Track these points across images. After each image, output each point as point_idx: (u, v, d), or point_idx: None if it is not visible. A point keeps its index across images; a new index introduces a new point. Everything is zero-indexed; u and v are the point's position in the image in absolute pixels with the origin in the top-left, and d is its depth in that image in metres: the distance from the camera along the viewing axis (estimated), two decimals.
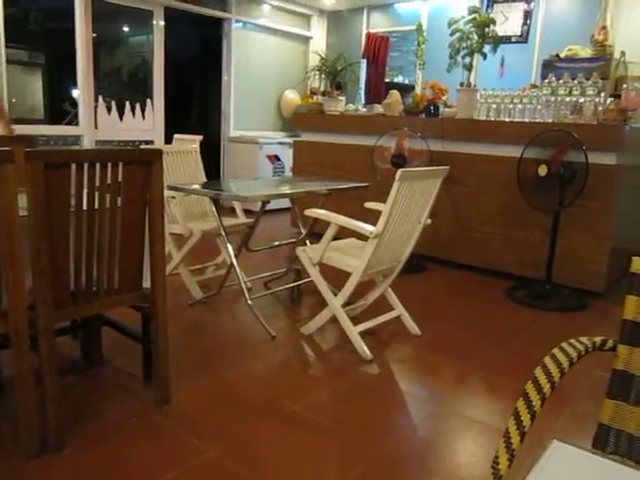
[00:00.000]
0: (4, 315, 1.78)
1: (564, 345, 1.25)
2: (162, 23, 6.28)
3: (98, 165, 1.87)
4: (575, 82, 4.09)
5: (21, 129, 5.26)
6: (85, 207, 1.89)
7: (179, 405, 2.28)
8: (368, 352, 2.78)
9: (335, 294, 2.91)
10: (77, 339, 2.75)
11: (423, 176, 2.75)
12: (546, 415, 2.09)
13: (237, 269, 3.15)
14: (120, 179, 1.94)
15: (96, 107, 5.82)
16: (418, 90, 6.56)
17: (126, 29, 7.62)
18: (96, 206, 1.90)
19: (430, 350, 2.99)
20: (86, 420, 2.14)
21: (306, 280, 3.45)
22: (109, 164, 1.89)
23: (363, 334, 2.88)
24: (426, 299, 3.95)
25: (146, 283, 2.19)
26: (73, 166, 1.81)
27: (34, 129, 5.57)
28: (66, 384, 2.39)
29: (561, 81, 4.16)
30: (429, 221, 2.98)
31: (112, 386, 2.47)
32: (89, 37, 5.60)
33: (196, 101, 8.69)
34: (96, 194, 1.89)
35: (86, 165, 1.83)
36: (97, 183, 1.88)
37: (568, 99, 4.08)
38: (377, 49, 7.27)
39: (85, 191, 1.87)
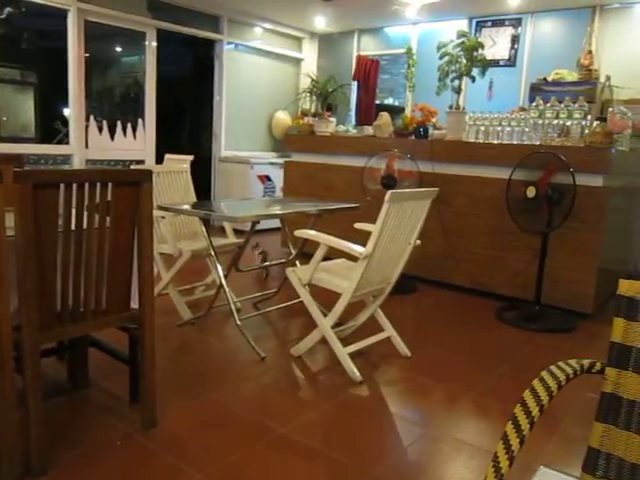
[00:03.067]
0: None
1: (553, 368, 1.25)
2: (154, 44, 6.34)
3: (87, 185, 1.86)
4: (562, 105, 4.16)
5: (11, 148, 5.26)
6: (73, 227, 1.88)
7: (166, 428, 2.25)
8: (358, 374, 2.77)
9: (325, 315, 2.90)
10: (63, 360, 2.71)
11: (413, 197, 2.77)
12: (535, 438, 2.08)
13: (226, 289, 3.13)
14: (109, 199, 1.93)
15: (87, 126, 5.84)
16: (408, 112, 6.63)
17: (119, 49, 7.67)
18: (85, 226, 1.90)
19: (420, 372, 2.97)
20: (71, 443, 2.10)
21: (296, 301, 3.43)
22: (98, 184, 1.89)
23: (353, 355, 2.86)
24: (416, 320, 3.95)
25: (134, 304, 2.17)
26: (62, 186, 1.80)
27: (24, 148, 5.57)
28: (51, 406, 2.35)
29: (548, 104, 4.22)
30: (419, 242, 2.98)
31: (98, 408, 2.43)
32: (81, 57, 5.64)
33: (187, 121, 8.73)
34: (85, 214, 1.88)
35: (75, 185, 1.83)
36: (86, 203, 1.87)
37: (555, 122, 4.14)
38: (368, 71, 7.36)
39: (74, 211, 1.86)
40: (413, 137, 4.84)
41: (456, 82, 4.51)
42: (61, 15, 5.47)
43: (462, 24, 6.49)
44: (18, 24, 5.30)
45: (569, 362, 1.28)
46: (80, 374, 2.60)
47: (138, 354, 2.24)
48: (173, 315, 3.47)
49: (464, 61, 4.46)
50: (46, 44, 7.53)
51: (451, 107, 4.66)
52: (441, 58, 4.51)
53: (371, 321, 3.18)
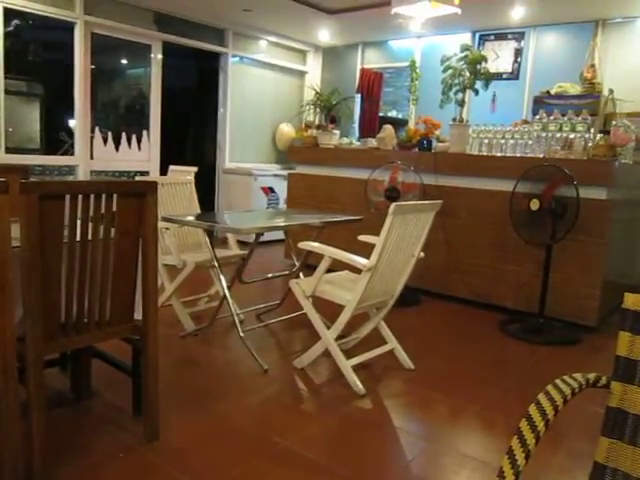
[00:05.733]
0: None
1: (558, 382, 1.24)
2: (160, 56, 6.39)
3: (92, 196, 1.87)
4: (565, 118, 4.17)
5: (17, 158, 5.30)
6: (78, 238, 1.89)
7: (168, 440, 2.24)
8: (361, 386, 2.75)
9: (328, 327, 2.90)
10: (66, 371, 2.71)
11: (416, 210, 2.77)
12: (541, 453, 2.06)
13: (230, 301, 3.13)
14: (114, 210, 1.94)
15: (92, 138, 5.88)
16: (411, 124, 6.66)
17: (124, 62, 7.73)
18: (89, 237, 1.90)
19: (423, 385, 2.96)
20: (73, 455, 2.09)
21: (299, 312, 3.42)
22: (103, 196, 1.90)
23: (356, 368, 2.85)
24: (419, 332, 3.94)
25: (138, 315, 2.17)
26: (67, 197, 1.81)
27: (30, 158, 5.60)
28: (54, 417, 2.34)
29: (552, 117, 4.24)
30: (422, 254, 2.98)
31: (101, 420, 2.43)
32: (87, 69, 5.69)
33: (192, 133, 8.78)
34: (90, 225, 1.89)
35: (80, 196, 1.84)
36: (91, 214, 1.88)
37: (559, 135, 4.15)
38: (371, 84, 7.40)
39: (79, 222, 1.87)
40: (417, 149, 4.86)
41: (459, 95, 4.53)
42: (68, 27, 5.52)
43: (466, 37, 6.54)
44: (25, 36, 5.37)
45: (574, 376, 1.27)
46: (83, 385, 2.59)
47: (141, 366, 2.23)
48: (176, 326, 3.47)
49: (467, 74, 4.49)
50: (52, 56, 7.60)
51: (454, 120, 4.67)
52: (445, 71, 4.54)
53: (374, 333, 3.18)
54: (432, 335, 3.89)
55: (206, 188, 6.61)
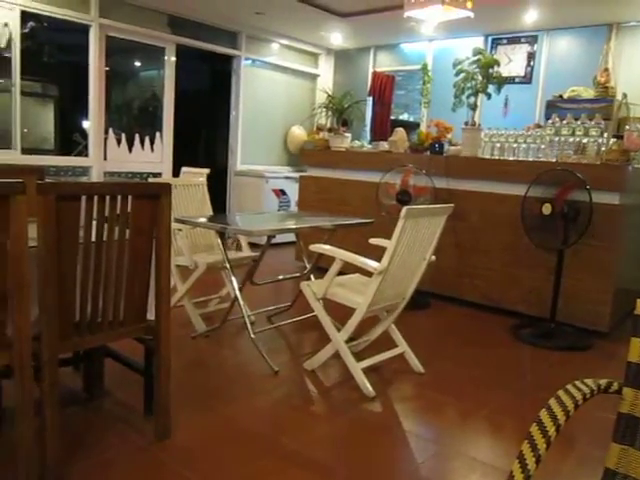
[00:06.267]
0: (8, 345, 1.78)
1: (569, 387, 1.24)
2: (173, 59, 6.44)
3: (108, 198, 1.90)
4: (578, 123, 4.15)
5: (32, 159, 5.36)
6: (94, 239, 1.91)
7: (179, 440, 2.25)
8: (371, 389, 2.76)
9: (339, 329, 2.91)
10: (79, 370, 2.74)
11: (428, 214, 2.78)
12: (551, 458, 2.06)
13: (241, 302, 3.15)
14: (129, 212, 1.97)
15: (106, 139, 5.93)
16: (423, 128, 6.66)
17: (138, 64, 7.79)
18: (104, 238, 1.93)
19: (433, 388, 2.96)
20: (85, 452, 2.12)
21: (309, 315, 3.44)
22: (119, 197, 1.93)
23: (366, 370, 2.86)
24: (430, 336, 3.93)
25: (150, 315, 2.19)
26: (83, 198, 1.84)
27: (45, 159, 5.66)
28: (66, 415, 2.36)
29: (564, 121, 4.22)
30: (433, 258, 2.99)
31: (113, 418, 2.45)
32: (102, 71, 5.75)
33: (204, 135, 8.83)
34: (105, 226, 1.92)
35: (96, 198, 1.87)
36: (106, 215, 1.90)
37: (571, 139, 4.13)
38: (383, 87, 7.41)
39: (94, 223, 1.89)
40: (428, 153, 4.86)
41: (472, 99, 4.53)
42: (83, 30, 5.58)
43: (478, 41, 6.53)
44: (40, 38, 5.42)
45: (586, 381, 1.27)
46: (95, 384, 2.62)
47: (153, 365, 2.26)
48: (188, 327, 3.50)
49: (480, 78, 4.48)
50: (67, 58, 7.68)
51: (467, 123, 4.67)
52: (457, 75, 4.54)
53: (385, 336, 3.18)
54: (442, 339, 3.88)
55: (218, 190, 6.64)
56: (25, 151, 5.35)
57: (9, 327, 1.78)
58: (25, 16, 5.14)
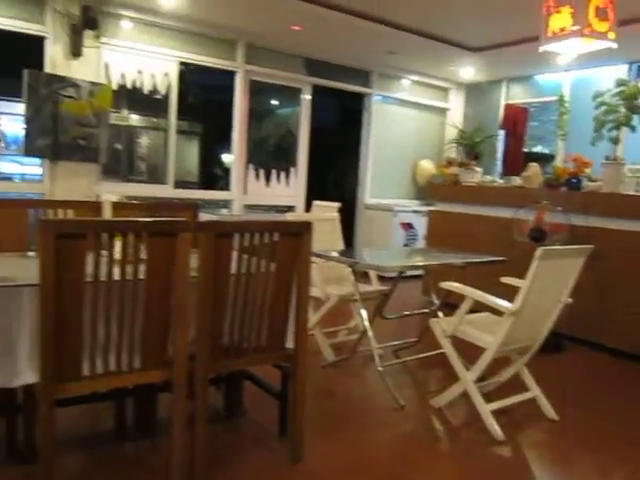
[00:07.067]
0: (169, 363, 2.03)
1: None
2: (309, 97, 6.82)
3: (257, 235, 2.10)
4: None
5: (182, 193, 5.94)
6: (243, 271, 2.12)
7: (310, 464, 2.37)
8: (500, 432, 2.69)
9: (467, 368, 2.88)
10: (220, 390, 2.97)
11: (565, 255, 2.70)
12: None
13: (370, 335, 3.24)
14: (274, 247, 2.16)
15: (246, 173, 6.39)
16: (559, 161, 6.39)
17: (275, 102, 8.35)
18: (252, 270, 2.13)
19: (567, 438, 2.81)
20: (224, 467, 2.30)
21: (437, 351, 3.43)
22: (266, 234, 2.13)
23: (495, 413, 2.80)
24: (564, 382, 3.73)
25: (288, 343, 2.35)
26: (236, 235, 2.06)
27: (192, 193, 6.25)
28: (208, 431, 2.58)
29: None
30: (570, 300, 2.88)
31: (249, 438, 2.63)
32: (245, 110, 6.25)
33: (334, 168, 9.17)
34: (253, 260, 2.12)
35: (247, 235, 2.08)
36: (254, 250, 2.11)
37: None
38: (516, 120, 7.24)
39: (245, 257, 2.11)
40: (564, 188, 4.67)
41: (614, 132, 4.31)
42: (227, 73, 6.13)
43: (621, 69, 6.19)
44: (186, 80, 6.01)
45: None
46: (235, 404, 2.84)
47: (289, 391, 2.41)
48: (317, 356, 3.64)
49: (623, 110, 4.26)
50: (211, 97, 8.43)
51: (607, 158, 4.44)
52: (597, 108, 4.35)
53: (515, 379, 3.09)
54: (578, 385, 3.67)
55: (346, 222, 6.86)
56: (176, 185, 5.93)
57: (170, 348, 2.03)
58: (181, 65, 5.77)
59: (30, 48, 5.06)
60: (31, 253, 2.48)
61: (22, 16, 4.86)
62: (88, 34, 4.99)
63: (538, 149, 7.66)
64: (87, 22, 4.87)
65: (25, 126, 4.86)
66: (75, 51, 4.96)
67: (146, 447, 2.47)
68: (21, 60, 4.85)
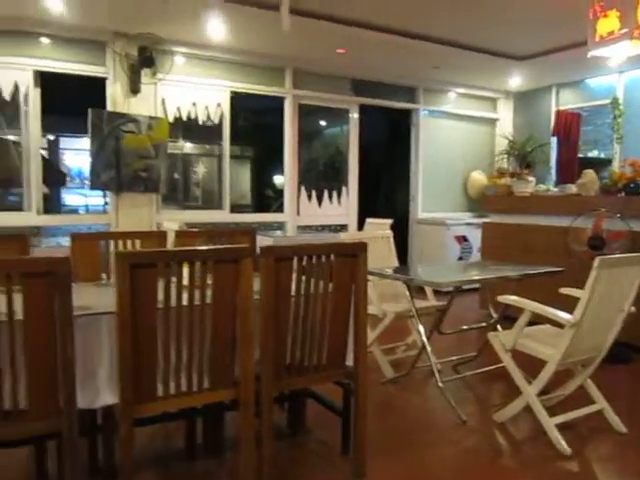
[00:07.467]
0: (236, 383, 2.13)
1: None
2: (356, 116, 6.92)
3: (314, 257, 2.19)
4: None
5: (238, 217, 6.14)
6: (302, 292, 2.21)
7: None
8: (566, 447, 2.65)
9: (529, 382, 2.86)
10: (283, 408, 3.05)
11: (625, 263, 2.66)
12: None
13: (428, 351, 3.26)
14: (331, 269, 2.24)
15: (298, 195, 6.53)
16: (615, 166, 6.23)
17: (323, 123, 8.51)
18: (310, 291, 2.22)
19: (637, 451, 2.74)
20: None
21: (497, 365, 3.41)
22: (323, 256, 2.21)
23: (560, 427, 2.76)
24: (632, 393, 3.62)
25: (348, 361, 2.42)
26: (295, 258, 2.15)
27: (247, 217, 6.45)
28: (273, 449, 2.67)
29: None
30: (633, 309, 2.82)
31: (313, 455, 2.70)
32: (295, 134, 6.41)
33: (384, 185, 9.22)
34: (311, 281, 2.21)
35: (305, 257, 2.17)
36: (312, 271, 2.19)
37: None
38: (568, 126, 7.10)
39: (303, 278, 2.20)
40: (623, 194, 4.55)
41: None
42: (277, 99, 6.32)
43: None
44: (237, 105, 6.22)
45: None
46: (298, 422, 2.91)
47: (351, 407, 2.47)
48: (376, 373, 3.68)
49: None
50: (261, 121, 8.66)
51: None
52: None
53: (580, 391, 3.03)
54: None
55: (399, 237, 6.89)
56: (231, 209, 6.13)
57: (236, 368, 2.13)
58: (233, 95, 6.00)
59: (92, 88, 5.40)
60: (103, 281, 2.66)
61: (86, 60, 5.22)
62: (145, 72, 5.28)
63: (594, 154, 7.47)
64: (144, 61, 5.16)
65: (90, 161, 5.17)
66: (134, 89, 5.26)
67: (215, 464, 2.58)
68: (84, 99, 5.19)
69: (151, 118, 5.35)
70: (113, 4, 4.54)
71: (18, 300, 1.72)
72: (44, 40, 5.08)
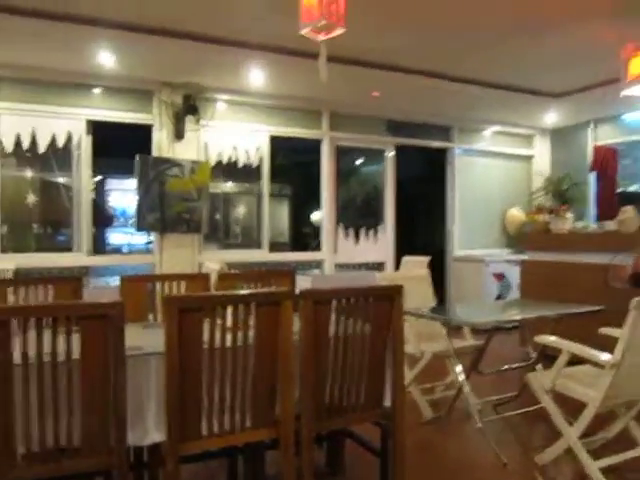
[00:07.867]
0: (276, 422, 2.19)
1: None
2: (392, 154, 7.05)
3: (352, 299, 2.27)
4: None
5: (276, 257, 6.27)
6: (340, 333, 2.28)
7: None
8: None
9: (570, 423, 2.82)
10: (321, 447, 3.08)
11: None
12: None
13: (467, 391, 3.26)
14: (369, 310, 2.31)
15: (335, 233, 6.64)
16: None
17: (360, 162, 8.67)
18: (348, 333, 2.28)
19: None
20: None
21: (538, 406, 3.37)
22: (361, 298, 2.29)
23: (605, 470, 2.70)
24: None
25: (386, 401, 2.45)
26: (334, 302, 2.24)
27: (286, 256, 6.57)
28: None
29: None
30: None
31: None
32: (332, 174, 6.57)
33: (421, 222, 9.25)
34: (350, 322, 2.28)
35: (344, 300, 2.25)
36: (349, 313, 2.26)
37: None
38: (606, 161, 7.06)
39: (342, 319, 2.27)
40: None
41: None
42: (315, 141, 6.51)
43: None
44: (276, 145, 6.41)
45: None
46: (337, 461, 2.94)
47: (389, 448, 2.49)
48: (415, 412, 3.67)
49: None
50: (299, 160, 8.87)
51: None
52: None
53: (624, 433, 2.97)
54: None
55: (436, 275, 6.88)
56: (270, 247, 6.27)
57: (277, 408, 2.20)
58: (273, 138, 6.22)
59: (138, 132, 5.69)
60: (150, 322, 2.79)
61: (134, 108, 5.54)
62: (189, 119, 5.55)
63: (634, 188, 7.37)
64: (188, 109, 5.44)
65: (137, 204, 5.41)
66: (178, 135, 5.54)
67: None
68: (131, 143, 5.48)
69: (194, 162, 5.59)
70: (160, 57, 4.83)
71: (75, 341, 1.85)
72: (96, 91, 5.42)
